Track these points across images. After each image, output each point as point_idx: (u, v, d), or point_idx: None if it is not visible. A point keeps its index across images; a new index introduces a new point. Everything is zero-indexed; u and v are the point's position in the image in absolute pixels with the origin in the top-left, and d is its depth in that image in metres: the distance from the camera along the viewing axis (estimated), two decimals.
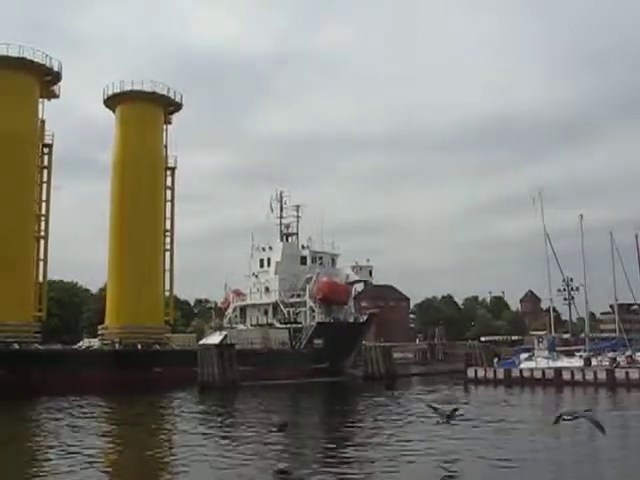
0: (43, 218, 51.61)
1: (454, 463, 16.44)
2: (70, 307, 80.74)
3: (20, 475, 17.02)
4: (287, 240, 66.68)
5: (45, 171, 52.27)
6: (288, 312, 61.64)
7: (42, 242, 51.45)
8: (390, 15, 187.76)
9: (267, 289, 63.72)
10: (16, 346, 45.03)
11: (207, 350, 46.90)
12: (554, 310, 61.50)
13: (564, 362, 46.97)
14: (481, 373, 49.32)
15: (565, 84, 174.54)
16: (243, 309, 65.42)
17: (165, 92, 57.76)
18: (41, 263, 51.18)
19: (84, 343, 55.83)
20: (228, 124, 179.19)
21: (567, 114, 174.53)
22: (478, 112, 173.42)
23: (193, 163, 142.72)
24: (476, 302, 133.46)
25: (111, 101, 57.21)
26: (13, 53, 48.68)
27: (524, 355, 50.68)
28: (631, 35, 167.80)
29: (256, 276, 65.10)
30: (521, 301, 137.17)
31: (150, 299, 54.56)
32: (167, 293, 58.55)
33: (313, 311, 60.97)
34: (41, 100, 52.03)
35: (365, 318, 65.55)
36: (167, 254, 58.19)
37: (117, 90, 56.21)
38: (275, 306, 62.97)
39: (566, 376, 43.97)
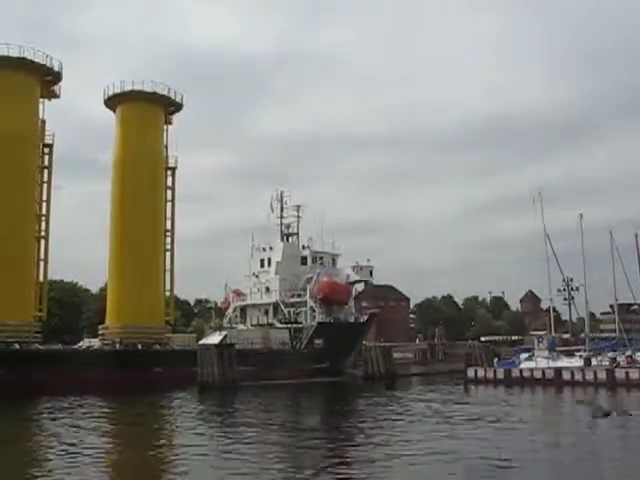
0: (44, 218, 51.56)
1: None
2: (70, 307, 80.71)
3: (20, 475, 17.03)
4: (287, 240, 66.70)
5: (45, 171, 52.22)
6: (288, 312, 61.65)
7: (42, 242, 51.40)
8: (390, 15, 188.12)
9: (267, 289, 63.74)
10: (17, 346, 45.03)
11: (207, 350, 46.85)
12: (554, 310, 61.50)
13: (564, 362, 46.95)
14: (481, 373, 49.30)
15: (565, 84, 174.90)
16: (243, 309, 65.44)
17: (166, 92, 57.74)
18: (41, 263, 51.16)
19: (84, 343, 55.83)
20: (228, 124, 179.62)
21: (567, 114, 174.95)
22: (478, 112, 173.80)
23: (193, 163, 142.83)
24: (476, 302, 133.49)
25: (112, 101, 57.19)
26: (14, 53, 48.65)
27: (524, 355, 50.66)
28: (631, 35, 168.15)
29: (256, 276, 65.12)
30: (521, 301, 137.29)
31: (151, 299, 54.55)
32: (167, 293, 58.56)
33: (313, 311, 60.97)
34: (41, 100, 51.98)
35: (365, 318, 65.59)
36: (167, 254, 58.17)
37: (118, 90, 56.17)
38: (275, 306, 62.98)
39: (566, 376, 43.97)
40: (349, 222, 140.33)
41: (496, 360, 54.31)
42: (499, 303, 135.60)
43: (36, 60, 49.91)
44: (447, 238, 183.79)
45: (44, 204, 51.74)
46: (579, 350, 49.79)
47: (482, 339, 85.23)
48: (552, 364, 46.44)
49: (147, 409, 34.59)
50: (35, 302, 49.74)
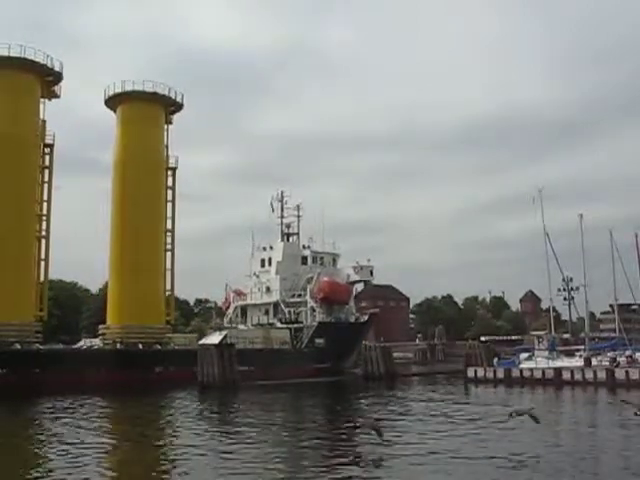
0: (44, 218, 51.56)
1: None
2: (70, 307, 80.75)
3: (21, 475, 17.07)
4: (288, 240, 66.77)
5: (46, 171, 52.24)
6: (289, 312, 61.71)
7: (43, 242, 51.45)
8: (390, 15, 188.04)
9: (268, 289, 63.80)
10: (17, 346, 45.08)
11: (207, 350, 46.83)
12: (554, 310, 61.47)
13: (564, 362, 46.96)
14: (481, 373, 49.34)
15: (565, 84, 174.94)
16: (244, 309, 65.50)
17: (166, 92, 57.76)
18: (42, 263, 51.22)
19: (85, 343, 55.85)
20: (228, 124, 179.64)
21: (567, 114, 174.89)
22: (478, 112, 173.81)
23: (193, 163, 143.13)
24: (476, 302, 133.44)
25: (112, 101, 57.21)
26: (14, 53, 48.68)
27: (524, 355, 50.66)
28: (631, 35, 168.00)
29: (257, 276, 65.19)
30: (521, 301, 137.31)
31: (151, 299, 54.58)
32: (168, 293, 58.58)
33: (314, 311, 61.02)
34: (42, 100, 51.98)
35: (366, 318, 65.63)
36: (168, 254, 58.17)
37: (118, 90, 56.21)
38: (276, 306, 63.04)
39: (566, 376, 43.97)
40: (349, 222, 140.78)
41: (496, 360, 54.25)
42: (499, 303, 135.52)
43: (37, 60, 49.96)
44: (447, 238, 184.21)
45: (44, 204, 51.75)
46: (579, 350, 49.79)
47: (482, 339, 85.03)
48: (552, 364, 46.45)
49: (148, 409, 34.63)
50: (36, 302, 49.74)
